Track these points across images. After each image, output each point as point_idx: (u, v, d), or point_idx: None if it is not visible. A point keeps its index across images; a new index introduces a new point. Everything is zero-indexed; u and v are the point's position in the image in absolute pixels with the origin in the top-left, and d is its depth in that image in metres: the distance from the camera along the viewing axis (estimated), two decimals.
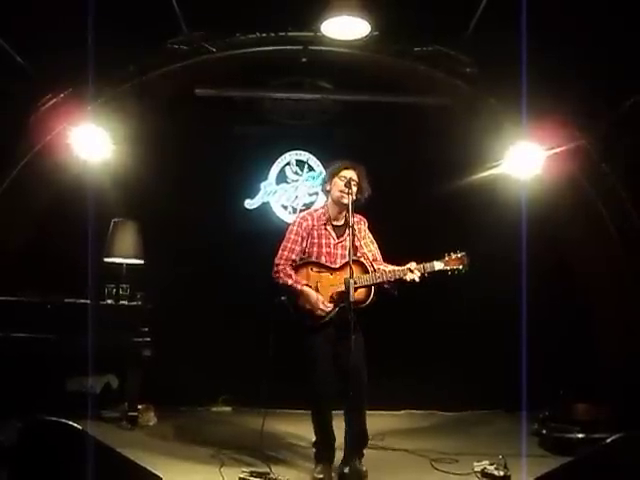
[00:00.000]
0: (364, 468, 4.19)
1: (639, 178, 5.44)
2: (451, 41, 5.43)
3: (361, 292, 4.03)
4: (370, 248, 4.32)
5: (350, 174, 4.17)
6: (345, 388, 3.84)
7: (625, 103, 5.04)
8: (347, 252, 3.99)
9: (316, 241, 4.25)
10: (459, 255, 4.15)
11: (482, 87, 5.80)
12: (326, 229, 4.29)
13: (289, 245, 4.27)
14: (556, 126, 5.40)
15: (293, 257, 4.24)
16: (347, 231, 4.06)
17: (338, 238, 4.26)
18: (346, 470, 3.92)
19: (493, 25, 4.76)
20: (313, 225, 4.29)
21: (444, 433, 5.65)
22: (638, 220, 5.54)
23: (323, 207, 4.42)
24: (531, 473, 3.89)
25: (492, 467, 4.26)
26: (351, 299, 3.81)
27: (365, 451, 4.36)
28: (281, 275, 4.20)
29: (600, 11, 4.39)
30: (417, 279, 4.02)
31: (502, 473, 4.16)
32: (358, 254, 4.17)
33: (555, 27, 4.61)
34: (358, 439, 4.21)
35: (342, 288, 4.00)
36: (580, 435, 4.81)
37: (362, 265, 4.11)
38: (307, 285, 4.15)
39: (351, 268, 3.87)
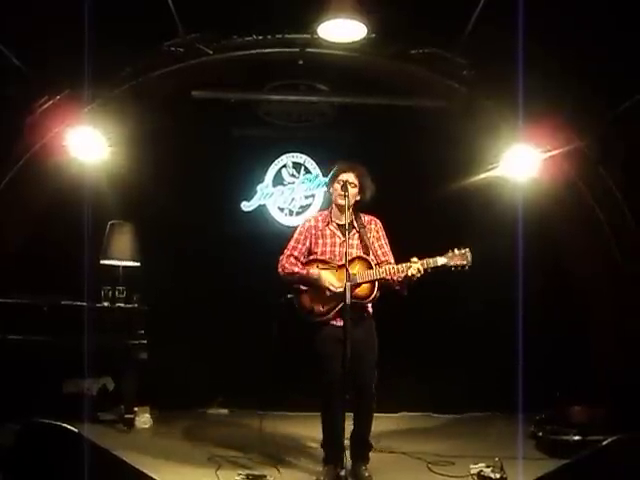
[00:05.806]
0: (367, 474, 4.19)
1: (635, 179, 5.46)
2: (448, 43, 5.43)
3: (365, 287, 4.07)
4: (384, 250, 4.32)
5: (347, 177, 4.17)
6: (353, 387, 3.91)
7: (622, 104, 5.04)
8: (354, 250, 4.12)
9: (321, 240, 4.29)
10: (462, 251, 4.03)
11: (479, 89, 5.81)
12: (330, 229, 4.30)
13: (292, 244, 4.36)
14: (553, 128, 5.41)
15: (295, 254, 4.31)
16: (354, 230, 4.16)
17: (344, 236, 4.08)
18: (342, 473, 3.87)
19: (490, 27, 4.76)
20: (317, 225, 4.34)
21: (441, 435, 5.65)
22: (634, 222, 5.56)
23: (328, 209, 4.47)
24: (527, 476, 3.91)
25: (489, 470, 4.26)
26: (347, 301, 3.75)
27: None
28: (286, 266, 4.27)
29: (597, 12, 4.40)
30: (418, 274, 3.96)
31: (498, 475, 4.17)
32: (370, 254, 4.19)
33: (552, 28, 4.62)
34: (361, 443, 4.26)
35: (341, 288, 3.90)
36: (576, 437, 4.80)
37: (366, 261, 4.12)
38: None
39: (347, 269, 3.83)
